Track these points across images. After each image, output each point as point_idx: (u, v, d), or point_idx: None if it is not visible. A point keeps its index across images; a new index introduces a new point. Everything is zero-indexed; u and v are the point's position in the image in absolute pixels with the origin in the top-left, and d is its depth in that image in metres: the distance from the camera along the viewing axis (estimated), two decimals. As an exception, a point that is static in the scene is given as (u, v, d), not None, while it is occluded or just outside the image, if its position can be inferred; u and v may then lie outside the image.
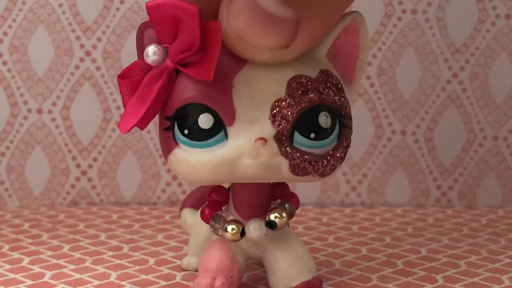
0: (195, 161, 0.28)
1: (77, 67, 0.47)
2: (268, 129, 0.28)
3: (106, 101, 0.48)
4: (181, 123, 0.29)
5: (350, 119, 0.30)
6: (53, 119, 0.48)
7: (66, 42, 0.47)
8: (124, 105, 0.29)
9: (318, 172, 0.29)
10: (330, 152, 0.29)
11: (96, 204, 0.48)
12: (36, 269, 0.35)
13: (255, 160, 0.28)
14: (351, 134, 0.30)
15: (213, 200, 0.31)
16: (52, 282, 0.34)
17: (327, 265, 0.36)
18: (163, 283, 0.34)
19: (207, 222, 0.31)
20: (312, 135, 0.28)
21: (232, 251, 0.31)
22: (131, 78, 0.29)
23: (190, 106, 0.28)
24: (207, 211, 0.31)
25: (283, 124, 0.28)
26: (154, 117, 0.29)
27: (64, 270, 0.35)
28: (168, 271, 0.35)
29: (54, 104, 0.48)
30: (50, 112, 0.48)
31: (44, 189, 0.48)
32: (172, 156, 0.29)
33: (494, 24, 0.47)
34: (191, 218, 0.37)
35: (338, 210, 0.47)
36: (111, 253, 0.38)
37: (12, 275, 0.35)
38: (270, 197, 0.32)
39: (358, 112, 0.47)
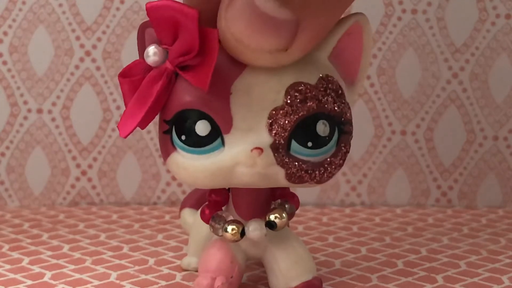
0: (192, 167, 0.28)
1: (77, 67, 0.47)
2: (264, 138, 0.28)
3: (106, 101, 0.48)
4: (178, 128, 0.29)
5: (350, 124, 0.29)
6: (53, 119, 0.48)
7: (66, 42, 0.47)
8: (125, 104, 0.29)
9: (315, 180, 0.29)
10: (328, 159, 0.29)
11: (96, 204, 0.48)
12: (36, 269, 0.35)
13: (251, 169, 0.28)
14: (351, 139, 0.30)
15: (213, 200, 0.31)
16: (52, 282, 0.34)
17: (327, 265, 0.36)
18: (163, 283, 0.34)
19: (207, 222, 0.31)
20: (310, 144, 0.28)
21: (232, 251, 0.31)
22: (132, 77, 0.29)
23: (187, 112, 0.28)
24: (207, 211, 0.31)
25: (280, 133, 0.28)
26: (154, 118, 0.29)
27: (64, 270, 0.35)
28: (168, 271, 0.35)
29: (54, 104, 0.48)
30: (50, 112, 0.48)
31: (44, 189, 0.48)
32: (170, 160, 0.29)
33: (494, 24, 0.47)
34: (191, 218, 0.37)
35: (338, 210, 0.47)
36: (111, 253, 0.38)
37: (12, 275, 0.35)
38: (270, 197, 0.31)
39: (358, 112, 0.47)
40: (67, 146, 0.48)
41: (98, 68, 0.47)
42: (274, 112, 0.28)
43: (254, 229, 0.30)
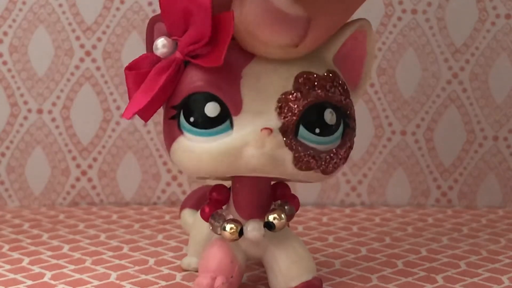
0: (200, 149, 0.28)
1: (77, 67, 0.47)
2: (274, 121, 0.28)
3: (106, 101, 0.48)
4: (187, 111, 0.29)
5: (354, 121, 0.30)
6: (53, 119, 0.48)
7: (66, 42, 0.47)
8: (130, 97, 0.29)
9: (321, 168, 0.29)
10: (334, 150, 0.29)
11: (96, 204, 0.48)
12: (36, 269, 0.35)
13: (260, 150, 0.28)
14: (354, 136, 0.30)
15: (213, 199, 0.31)
16: (52, 282, 0.34)
17: (327, 265, 0.36)
18: (163, 283, 0.34)
19: (207, 221, 0.31)
20: (317, 130, 0.29)
21: (232, 251, 0.31)
22: (138, 70, 0.29)
23: (197, 95, 0.28)
24: (207, 210, 0.31)
25: (289, 117, 0.28)
26: (159, 107, 0.29)
27: (64, 270, 0.35)
28: (168, 271, 0.35)
29: (54, 104, 0.48)
30: (50, 112, 0.48)
31: (44, 189, 0.48)
32: (176, 145, 0.29)
33: (494, 24, 0.47)
34: (191, 218, 0.37)
35: (338, 210, 0.47)
36: (111, 253, 0.38)
37: (12, 275, 0.35)
38: (270, 197, 0.32)
39: (358, 112, 0.47)
40: (67, 146, 0.48)
41: (98, 68, 0.47)
42: (283, 96, 0.28)
43: (252, 229, 0.30)
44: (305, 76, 0.28)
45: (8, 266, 0.36)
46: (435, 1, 0.47)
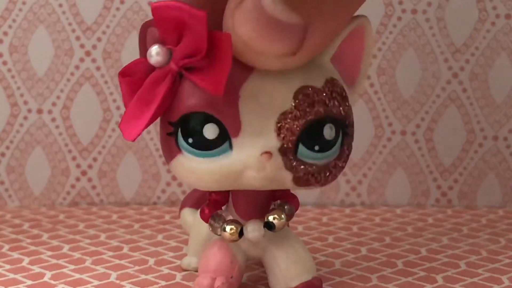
0: (200, 170, 0.28)
1: (77, 67, 0.47)
2: (273, 142, 0.28)
3: (106, 101, 0.48)
4: (185, 131, 0.28)
5: (352, 126, 0.30)
6: (53, 119, 0.48)
7: (66, 42, 0.47)
8: (125, 103, 0.28)
9: (320, 183, 0.29)
10: (333, 162, 0.29)
11: (96, 204, 0.48)
12: (36, 269, 0.35)
13: (260, 173, 0.28)
14: (352, 141, 0.30)
15: (213, 200, 0.31)
16: (52, 282, 0.34)
17: (327, 265, 0.36)
18: (163, 283, 0.34)
19: (206, 222, 0.31)
20: (317, 148, 0.28)
21: (232, 251, 0.31)
22: (132, 77, 0.28)
23: (195, 115, 0.28)
24: (206, 211, 0.31)
25: (288, 137, 0.28)
26: (157, 119, 0.29)
27: (64, 270, 0.35)
28: (168, 271, 0.35)
29: (54, 104, 0.48)
30: (50, 112, 0.48)
31: (44, 189, 0.48)
32: (176, 163, 0.29)
33: (494, 24, 0.47)
34: (191, 217, 0.37)
35: (338, 210, 0.47)
36: (111, 253, 0.38)
37: (12, 275, 0.35)
38: (270, 198, 0.31)
39: (358, 112, 0.47)
40: (67, 146, 0.48)
41: (98, 68, 0.47)
42: (282, 116, 0.28)
43: (253, 229, 0.30)
44: (303, 92, 0.28)
45: (8, 266, 0.36)
46: (435, 1, 0.47)
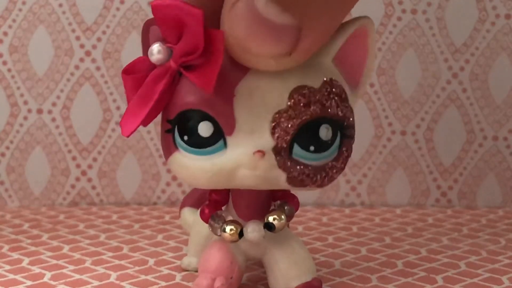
0: (194, 168, 0.28)
1: (77, 67, 0.47)
2: (267, 141, 0.28)
3: (106, 101, 0.48)
4: (181, 128, 0.28)
5: (353, 128, 0.29)
6: (53, 119, 0.48)
7: (66, 42, 0.47)
8: (128, 100, 0.29)
9: (316, 184, 0.29)
10: (330, 163, 0.29)
11: (96, 204, 0.48)
12: (36, 269, 0.35)
13: (253, 171, 0.28)
14: (353, 142, 0.30)
15: (213, 200, 0.31)
16: (52, 282, 0.34)
17: (327, 265, 0.36)
18: (163, 283, 0.34)
19: (206, 222, 0.31)
20: (312, 148, 0.28)
21: (232, 252, 0.31)
22: (135, 74, 0.28)
23: (190, 112, 0.28)
24: (206, 211, 0.31)
25: (282, 136, 0.28)
26: (156, 116, 0.29)
27: (64, 270, 0.35)
28: (168, 272, 0.35)
29: (54, 104, 0.48)
30: (50, 112, 0.48)
31: (44, 189, 0.48)
32: (172, 160, 0.29)
33: (494, 24, 0.47)
34: (191, 217, 0.37)
35: (338, 210, 0.47)
36: (111, 254, 0.38)
37: (12, 276, 0.35)
38: (270, 198, 0.31)
39: (358, 112, 0.47)
40: (67, 146, 0.48)
41: (98, 68, 0.47)
42: (277, 115, 0.28)
43: (253, 230, 0.30)
44: (300, 91, 0.28)
45: (8, 267, 0.36)
46: (435, 1, 0.47)
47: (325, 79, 0.29)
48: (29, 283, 0.34)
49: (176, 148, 0.29)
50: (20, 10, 0.47)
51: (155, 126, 0.48)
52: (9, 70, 0.47)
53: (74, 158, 0.48)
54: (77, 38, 0.47)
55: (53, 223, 0.44)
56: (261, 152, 0.28)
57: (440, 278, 0.34)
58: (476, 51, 0.47)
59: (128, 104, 0.29)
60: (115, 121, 0.48)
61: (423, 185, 0.48)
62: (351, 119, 0.29)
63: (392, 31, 0.47)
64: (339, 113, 0.29)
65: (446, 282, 0.34)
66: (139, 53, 0.30)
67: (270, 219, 0.31)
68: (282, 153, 0.28)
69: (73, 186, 0.48)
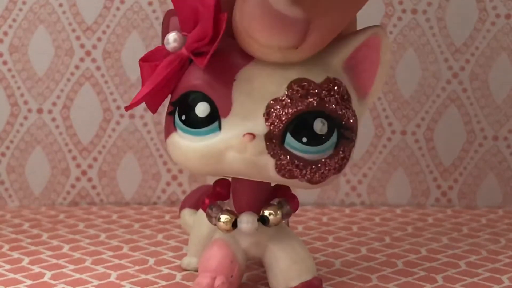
0: (186, 147, 0.29)
1: (77, 67, 0.47)
2: (260, 126, 0.28)
3: (106, 101, 0.48)
4: (181, 109, 0.29)
5: (352, 131, 0.29)
6: (53, 119, 0.48)
7: (66, 42, 0.47)
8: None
9: (305, 178, 0.29)
10: (323, 160, 0.29)
11: (96, 204, 0.48)
12: (36, 269, 0.35)
13: (241, 154, 0.28)
14: (353, 146, 0.30)
15: (216, 192, 0.32)
16: (52, 282, 0.34)
17: (327, 265, 0.36)
18: (163, 283, 0.34)
19: (205, 211, 0.31)
20: (304, 139, 0.28)
21: (232, 251, 0.31)
22: (151, 62, 0.29)
23: (192, 93, 0.29)
24: (207, 201, 0.32)
25: (275, 124, 0.28)
26: (163, 100, 0.30)
27: (64, 270, 0.35)
28: (168, 271, 0.35)
29: (54, 104, 0.48)
30: (50, 112, 0.48)
31: (44, 189, 0.48)
32: (169, 140, 0.30)
33: (494, 24, 0.47)
34: (191, 218, 0.37)
35: (338, 210, 0.47)
36: (111, 253, 0.38)
37: (12, 275, 0.35)
38: (270, 195, 0.31)
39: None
40: (67, 146, 0.48)
41: (98, 68, 0.47)
42: (273, 102, 0.28)
43: (246, 221, 0.31)
44: (299, 83, 0.28)
45: (8, 266, 0.36)
46: (435, 1, 0.47)
47: (328, 76, 0.29)
48: (29, 282, 0.34)
49: (175, 129, 0.29)
50: (20, 10, 0.47)
51: (155, 126, 0.48)
52: (9, 70, 0.47)
53: (74, 158, 0.48)
54: (77, 38, 0.47)
55: (53, 222, 0.44)
56: (251, 135, 0.28)
57: (440, 278, 0.34)
58: (476, 51, 0.47)
59: None
60: (115, 121, 0.48)
61: (423, 185, 0.48)
62: (351, 120, 0.29)
63: (392, 31, 0.47)
64: (338, 111, 0.28)
65: (446, 282, 0.34)
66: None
67: (266, 213, 0.31)
68: (273, 140, 0.28)
69: (73, 186, 0.48)
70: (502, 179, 0.48)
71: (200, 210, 0.34)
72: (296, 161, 0.28)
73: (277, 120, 0.28)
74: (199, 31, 0.28)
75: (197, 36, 0.28)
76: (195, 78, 0.29)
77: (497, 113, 0.48)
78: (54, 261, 0.37)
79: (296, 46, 0.27)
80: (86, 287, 0.33)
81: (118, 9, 0.47)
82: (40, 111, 0.48)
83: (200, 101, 0.28)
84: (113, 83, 0.48)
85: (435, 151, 0.48)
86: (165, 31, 0.30)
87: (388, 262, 0.36)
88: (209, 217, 0.31)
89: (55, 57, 0.47)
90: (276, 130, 0.28)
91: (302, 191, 0.43)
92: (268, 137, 0.28)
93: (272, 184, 0.32)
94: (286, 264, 0.31)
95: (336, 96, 0.28)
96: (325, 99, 0.28)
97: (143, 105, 0.30)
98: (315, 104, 0.28)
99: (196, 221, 0.35)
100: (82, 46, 0.47)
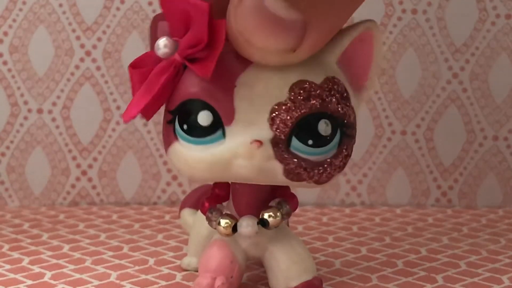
0: (191, 158, 0.28)
1: (77, 67, 0.47)
2: (265, 132, 0.28)
3: (106, 101, 0.48)
4: (181, 118, 0.29)
5: (353, 128, 0.29)
6: (53, 119, 0.48)
7: (66, 42, 0.47)
8: (133, 95, 0.29)
9: (313, 179, 0.29)
10: (328, 160, 0.29)
11: (96, 204, 0.48)
12: (36, 269, 0.35)
13: (249, 162, 0.28)
14: (354, 143, 0.30)
15: (215, 194, 0.32)
16: (52, 282, 0.34)
17: (327, 265, 0.36)
18: (163, 283, 0.34)
19: (205, 214, 0.31)
20: (310, 142, 0.28)
21: (232, 251, 0.31)
22: (142, 69, 0.29)
23: (191, 102, 0.28)
24: (206, 204, 0.31)
25: (281, 128, 0.28)
26: (159, 108, 0.29)
27: (64, 270, 0.35)
28: (168, 271, 0.35)
29: (54, 104, 0.48)
30: (50, 112, 0.48)
31: (44, 189, 0.48)
32: (171, 150, 0.29)
33: (494, 24, 0.47)
34: (191, 218, 0.37)
35: (338, 210, 0.47)
36: (111, 253, 0.38)
37: (12, 275, 0.35)
38: (269, 196, 0.31)
39: (358, 112, 0.47)
40: (67, 146, 0.48)
41: (98, 68, 0.48)
42: (276, 107, 0.28)
43: (246, 225, 0.30)
44: (300, 85, 0.28)
45: (8, 266, 0.36)
46: (435, 1, 0.47)
47: (327, 76, 0.29)
48: (29, 282, 0.34)
49: (176, 138, 0.29)
50: (20, 10, 0.47)
51: (155, 126, 0.48)
52: (9, 70, 0.47)
53: (74, 158, 0.48)
54: (77, 38, 0.47)
55: (53, 222, 0.44)
56: (259, 142, 0.28)
57: (440, 278, 0.34)
58: (476, 51, 0.47)
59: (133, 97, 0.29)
60: (115, 121, 0.48)
61: (423, 185, 0.48)
62: (352, 118, 0.29)
63: (392, 31, 0.47)
64: (340, 110, 0.29)
65: (446, 282, 0.34)
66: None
67: (266, 215, 0.31)
68: (280, 144, 0.28)
69: (73, 186, 0.48)
70: (502, 179, 0.48)
71: (200, 210, 0.34)
72: (303, 164, 0.28)
73: (282, 125, 0.28)
74: (193, 36, 0.27)
75: (191, 42, 0.27)
76: (194, 86, 0.28)
77: (497, 113, 0.48)
78: (54, 261, 0.37)
79: (293, 49, 0.27)
80: (86, 287, 0.33)
81: (118, 9, 0.47)
82: (40, 111, 0.48)
83: (202, 110, 0.28)
84: (113, 83, 0.48)
85: (435, 151, 0.48)
86: (153, 36, 0.29)
87: (388, 262, 0.36)
88: (209, 220, 0.31)
89: (55, 57, 0.47)
90: (282, 135, 0.28)
91: (302, 191, 0.43)
92: (275, 142, 0.28)
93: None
94: (286, 264, 0.31)
95: (337, 95, 0.29)
96: (327, 99, 0.28)
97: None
98: (318, 106, 0.28)
99: (196, 221, 0.35)
100: (82, 46, 0.47)
